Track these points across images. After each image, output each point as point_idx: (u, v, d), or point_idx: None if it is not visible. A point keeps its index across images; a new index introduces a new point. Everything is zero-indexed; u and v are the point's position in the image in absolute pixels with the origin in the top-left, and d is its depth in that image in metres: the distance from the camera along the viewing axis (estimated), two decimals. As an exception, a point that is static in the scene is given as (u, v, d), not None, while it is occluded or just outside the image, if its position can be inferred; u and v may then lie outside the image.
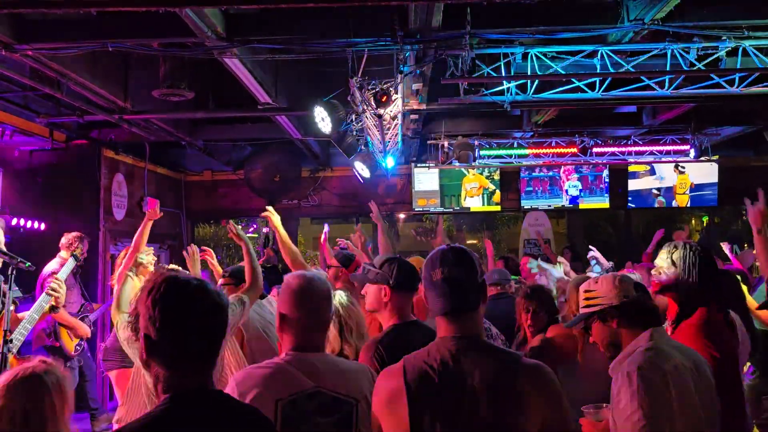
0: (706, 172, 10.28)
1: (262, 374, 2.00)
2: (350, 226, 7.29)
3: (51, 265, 5.80)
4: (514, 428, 1.75)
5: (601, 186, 10.51)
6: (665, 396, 2.09)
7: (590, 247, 5.30)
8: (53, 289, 3.86)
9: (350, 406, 2.02)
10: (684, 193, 10.50)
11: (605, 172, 10.49)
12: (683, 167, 10.45)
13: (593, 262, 5.20)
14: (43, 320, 4.81)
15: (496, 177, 10.48)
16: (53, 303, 4.04)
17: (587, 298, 2.42)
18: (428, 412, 1.77)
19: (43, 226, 5.85)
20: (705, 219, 12.63)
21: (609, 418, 2.25)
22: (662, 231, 5.75)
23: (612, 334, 2.36)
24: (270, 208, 4.38)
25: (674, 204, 10.62)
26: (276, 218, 4.31)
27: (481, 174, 10.53)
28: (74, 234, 6.11)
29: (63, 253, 5.99)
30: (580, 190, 10.50)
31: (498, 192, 10.57)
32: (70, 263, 4.59)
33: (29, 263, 3.91)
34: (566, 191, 10.49)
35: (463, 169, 10.40)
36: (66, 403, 2.08)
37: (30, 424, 1.97)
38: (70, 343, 5.79)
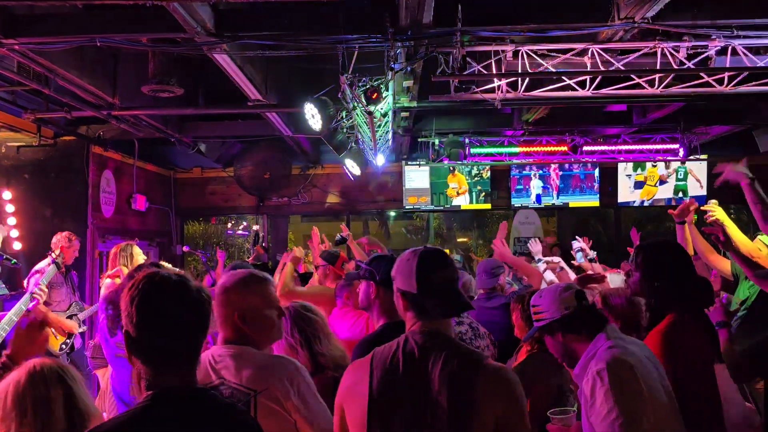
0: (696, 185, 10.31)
1: None
2: (341, 223, 7.35)
3: (40, 264, 5.76)
4: (466, 425, 1.81)
5: (590, 184, 10.53)
6: (636, 388, 2.11)
7: (576, 237, 5.26)
8: (37, 293, 3.84)
9: (248, 396, 2.19)
10: (654, 185, 10.35)
11: (596, 171, 10.51)
12: (654, 163, 10.41)
13: (578, 254, 5.16)
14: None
15: (486, 175, 10.46)
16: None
17: (535, 313, 2.43)
18: (387, 401, 1.86)
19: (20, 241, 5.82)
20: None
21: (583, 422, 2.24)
22: (634, 230, 5.79)
23: (562, 345, 2.36)
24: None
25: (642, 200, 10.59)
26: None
27: (463, 175, 10.47)
28: (64, 234, 6.06)
29: (54, 252, 5.97)
30: (560, 186, 10.50)
31: (476, 192, 10.52)
32: (51, 271, 4.55)
33: (15, 260, 3.88)
34: (530, 191, 10.51)
35: (448, 168, 10.37)
36: None
37: None
38: (54, 342, 5.74)
